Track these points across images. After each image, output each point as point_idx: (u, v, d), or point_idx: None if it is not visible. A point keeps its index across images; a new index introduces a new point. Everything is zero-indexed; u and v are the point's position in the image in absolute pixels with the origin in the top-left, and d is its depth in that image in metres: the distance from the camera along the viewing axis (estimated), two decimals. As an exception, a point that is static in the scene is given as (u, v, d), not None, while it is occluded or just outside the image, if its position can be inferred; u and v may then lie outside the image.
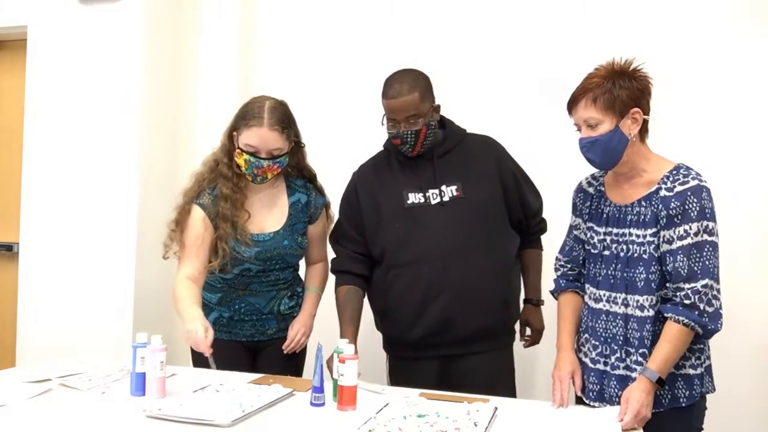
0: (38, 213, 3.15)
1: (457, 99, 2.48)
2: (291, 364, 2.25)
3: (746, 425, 2.72)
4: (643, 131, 1.78)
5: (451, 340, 2.12)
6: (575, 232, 1.96)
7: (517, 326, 2.34)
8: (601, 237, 1.84)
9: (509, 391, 2.17)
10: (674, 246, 1.70)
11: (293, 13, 3.31)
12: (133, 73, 3.03)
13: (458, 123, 2.31)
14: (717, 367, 1.84)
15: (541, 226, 2.34)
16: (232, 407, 1.67)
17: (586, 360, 1.86)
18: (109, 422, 1.64)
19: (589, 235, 1.89)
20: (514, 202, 2.20)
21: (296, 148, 2.22)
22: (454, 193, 2.14)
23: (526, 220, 2.25)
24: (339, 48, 3.25)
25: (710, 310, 1.67)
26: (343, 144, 3.16)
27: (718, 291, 1.70)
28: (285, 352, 2.19)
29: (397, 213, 2.16)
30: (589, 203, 1.91)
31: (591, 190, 1.93)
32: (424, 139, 2.14)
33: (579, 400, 1.88)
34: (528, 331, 2.38)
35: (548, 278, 2.13)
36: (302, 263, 2.40)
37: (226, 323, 2.23)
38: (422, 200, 2.15)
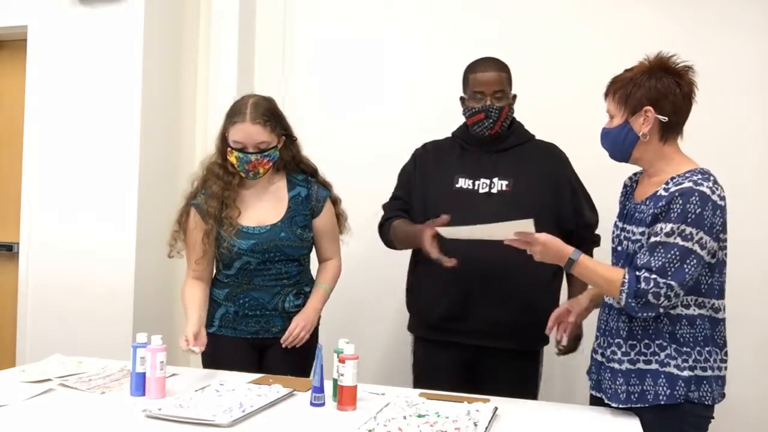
0: (38, 213, 3.15)
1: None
2: (297, 364, 2.22)
3: (751, 429, 2.73)
4: (668, 132, 1.75)
5: (468, 330, 2.17)
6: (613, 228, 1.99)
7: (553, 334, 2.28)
8: (618, 232, 1.86)
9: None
10: (647, 243, 1.70)
11: (293, 14, 3.31)
12: (133, 73, 3.03)
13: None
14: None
15: (594, 239, 2.32)
16: (232, 407, 1.67)
17: (592, 352, 1.89)
18: (109, 422, 1.64)
19: (611, 228, 1.92)
20: (568, 211, 2.23)
21: (288, 142, 2.25)
22: (503, 188, 2.20)
23: (578, 230, 2.25)
24: (339, 48, 3.25)
25: (652, 300, 1.64)
26: (343, 143, 3.16)
27: (674, 295, 1.64)
28: (283, 345, 2.18)
29: (444, 193, 2.24)
30: (623, 199, 1.94)
31: (628, 187, 1.95)
32: (504, 118, 2.22)
33: (594, 400, 1.87)
34: (564, 340, 2.24)
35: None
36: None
37: (231, 319, 2.23)
38: (470, 186, 2.22)
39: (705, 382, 1.72)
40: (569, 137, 2.42)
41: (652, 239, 1.68)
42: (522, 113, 2.34)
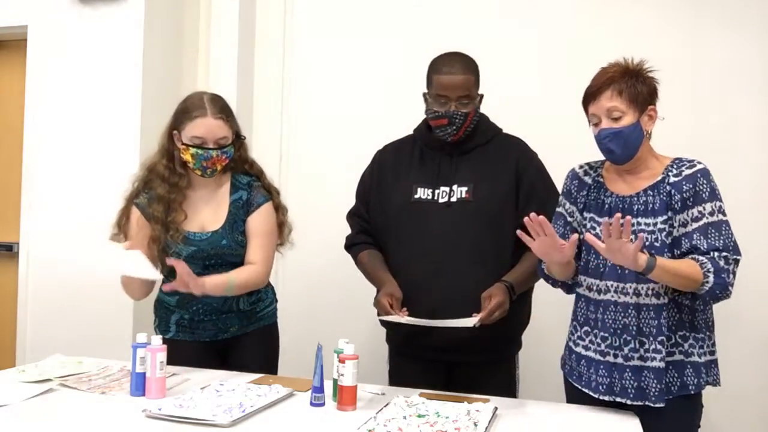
0: (38, 213, 3.15)
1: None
2: (265, 360, 2.20)
3: (748, 421, 2.73)
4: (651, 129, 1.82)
5: (434, 346, 2.09)
6: (569, 219, 1.91)
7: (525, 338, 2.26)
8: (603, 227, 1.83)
9: None
10: (690, 228, 1.72)
11: (293, 13, 3.31)
12: (133, 73, 3.03)
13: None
14: (720, 364, 1.82)
15: None
16: (232, 407, 1.67)
17: (589, 353, 1.83)
18: (109, 422, 1.64)
19: (589, 226, 1.85)
20: (533, 209, 2.03)
21: (237, 141, 2.18)
22: (463, 195, 2.08)
23: None
24: (338, 47, 3.25)
25: (731, 278, 1.67)
26: (343, 143, 3.16)
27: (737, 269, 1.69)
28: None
29: (403, 206, 2.13)
30: (586, 192, 1.89)
31: (588, 179, 1.90)
32: (469, 124, 2.09)
33: (584, 397, 1.86)
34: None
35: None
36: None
37: (187, 324, 2.19)
38: (430, 197, 2.11)
39: (713, 365, 1.79)
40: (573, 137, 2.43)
41: (697, 224, 1.70)
42: (524, 116, 2.33)
